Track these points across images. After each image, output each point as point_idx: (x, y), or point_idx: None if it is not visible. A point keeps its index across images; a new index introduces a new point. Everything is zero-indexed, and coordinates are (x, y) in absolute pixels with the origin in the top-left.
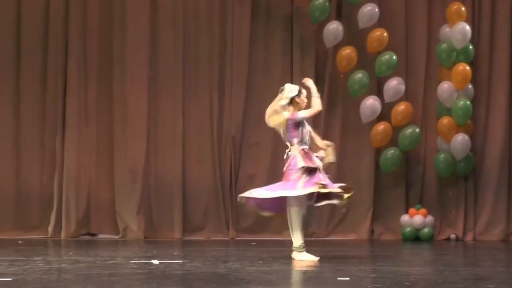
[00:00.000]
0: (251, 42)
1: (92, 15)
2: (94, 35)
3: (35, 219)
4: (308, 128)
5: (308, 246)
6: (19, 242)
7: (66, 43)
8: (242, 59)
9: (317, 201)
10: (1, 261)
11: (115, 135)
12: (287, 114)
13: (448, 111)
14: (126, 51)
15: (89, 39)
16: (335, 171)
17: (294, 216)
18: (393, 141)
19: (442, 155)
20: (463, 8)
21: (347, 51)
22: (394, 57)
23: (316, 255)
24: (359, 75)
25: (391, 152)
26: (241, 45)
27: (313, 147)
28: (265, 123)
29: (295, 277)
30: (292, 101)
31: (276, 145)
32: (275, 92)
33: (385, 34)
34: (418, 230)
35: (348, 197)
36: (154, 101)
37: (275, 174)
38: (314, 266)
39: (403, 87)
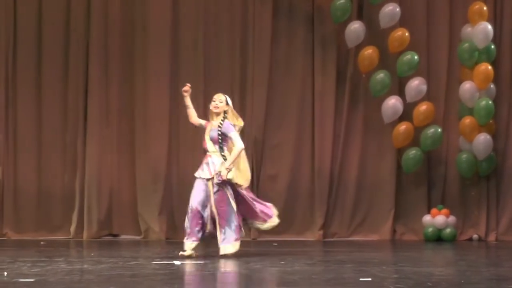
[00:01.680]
0: (272, 41)
1: (113, 15)
2: (116, 35)
3: (57, 220)
4: None
5: (331, 247)
6: (42, 243)
7: (87, 43)
8: (264, 59)
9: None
10: (24, 262)
11: (136, 135)
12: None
13: (470, 111)
14: (147, 50)
15: (111, 39)
16: (357, 172)
17: None
18: (415, 141)
19: (464, 155)
20: (485, 8)
21: (369, 51)
22: (416, 57)
23: (338, 255)
24: (380, 75)
25: (413, 152)
26: (262, 45)
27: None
28: (287, 124)
29: (317, 278)
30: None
31: (298, 146)
32: (297, 92)
33: (406, 34)
34: (440, 230)
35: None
36: (175, 101)
37: (296, 175)
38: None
39: (424, 87)
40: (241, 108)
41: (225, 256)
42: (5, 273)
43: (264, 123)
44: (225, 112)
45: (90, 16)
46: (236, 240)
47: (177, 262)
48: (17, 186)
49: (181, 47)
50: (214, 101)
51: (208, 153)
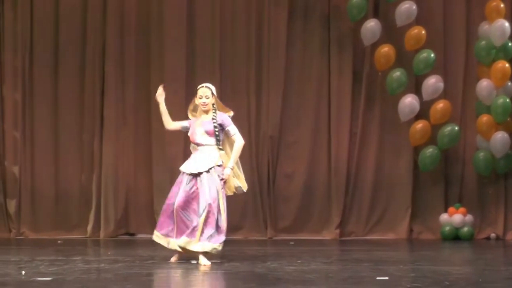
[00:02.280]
0: (288, 41)
1: (129, 14)
2: (132, 35)
3: (74, 219)
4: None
5: (347, 246)
6: (59, 242)
7: (103, 42)
8: (279, 59)
9: None
10: (41, 261)
11: (153, 134)
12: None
13: (487, 109)
14: (163, 50)
15: (127, 39)
16: (374, 171)
17: None
18: (432, 140)
19: (482, 153)
20: (502, 5)
21: (385, 49)
22: (432, 55)
23: (355, 254)
24: (397, 73)
25: (430, 150)
26: (278, 44)
27: None
28: (303, 122)
29: (334, 276)
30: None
31: (314, 145)
32: (313, 91)
33: (423, 32)
34: (457, 229)
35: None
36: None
37: (313, 174)
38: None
39: (441, 85)
40: (257, 107)
41: (207, 254)
42: (23, 272)
43: (280, 122)
44: (212, 104)
45: (106, 15)
46: (221, 242)
47: (193, 261)
48: (34, 185)
49: (197, 46)
50: (200, 98)
51: (200, 147)
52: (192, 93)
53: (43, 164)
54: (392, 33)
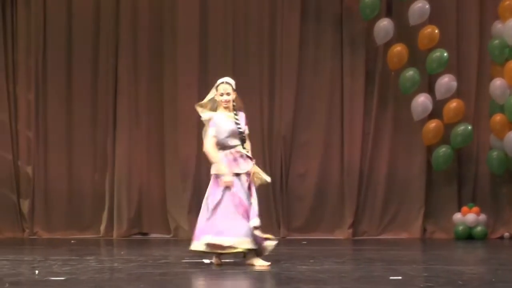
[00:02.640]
0: (301, 42)
1: (142, 14)
2: (144, 35)
3: (88, 219)
4: None
5: (360, 245)
6: (72, 241)
7: (116, 42)
8: (292, 59)
9: None
10: (55, 260)
11: (166, 134)
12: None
13: (501, 108)
14: (176, 50)
15: (140, 39)
16: (387, 170)
17: None
18: (445, 139)
19: (495, 153)
20: None
21: (398, 49)
22: (445, 54)
23: (367, 253)
24: (410, 73)
25: (443, 150)
26: (291, 45)
27: None
28: (315, 122)
29: (347, 276)
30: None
31: (327, 145)
32: (326, 91)
33: (436, 31)
34: (471, 228)
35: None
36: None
37: (326, 173)
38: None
39: (454, 84)
40: (270, 107)
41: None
42: (36, 272)
43: (292, 122)
44: (233, 104)
45: (119, 14)
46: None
47: (206, 261)
48: (48, 185)
49: (209, 47)
50: (222, 95)
51: (233, 149)
52: (205, 92)
53: (56, 164)
54: (405, 32)
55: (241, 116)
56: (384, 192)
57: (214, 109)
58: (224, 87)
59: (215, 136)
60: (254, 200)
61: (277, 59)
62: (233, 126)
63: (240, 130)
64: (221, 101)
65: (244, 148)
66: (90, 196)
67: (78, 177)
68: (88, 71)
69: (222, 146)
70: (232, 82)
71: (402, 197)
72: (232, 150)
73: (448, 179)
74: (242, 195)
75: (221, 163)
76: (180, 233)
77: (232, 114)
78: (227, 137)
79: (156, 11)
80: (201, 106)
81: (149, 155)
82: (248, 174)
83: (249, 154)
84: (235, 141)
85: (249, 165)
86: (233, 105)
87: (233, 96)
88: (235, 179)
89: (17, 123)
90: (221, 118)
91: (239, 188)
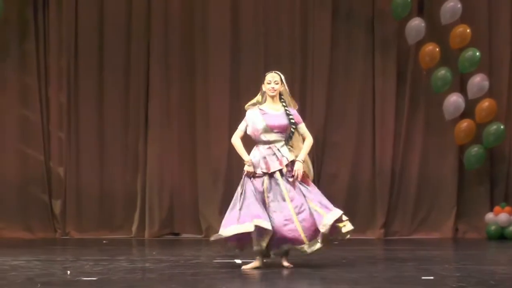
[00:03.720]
0: (332, 43)
1: (173, 15)
2: (176, 36)
3: (119, 219)
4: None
5: (392, 245)
6: (104, 242)
7: (148, 44)
8: (323, 60)
9: None
10: (86, 260)
11: (197, 134)
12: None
13: None
14: (208, 51)
15: (171, 40)
16: (419, 170)
17: None
18: (477, 138)
19: None
20: None
21: (430, 48)
22: (478, 53)
23: (399, 253)
24: (442, 72)
25: (475, 149)
26: (322, 46)
27: None
28: (347, 123)
29: (379, 276)
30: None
31: (359, 145)
32: (357, 92)
33: (468, 30)
34: (503, 228)
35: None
36: (236, 101)
37: (357, 174)
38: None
39: (487, 83)
40: (301, 107)
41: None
42: (68, 272)
43: (324, 122)
44: (280, 94)
45: (150, 16)
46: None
47: (238, 261)
48: (79, 186)
49: (241, 47)
50: (269, 83)
51: (268, 145)
52: (237, 92)
53: (88, 164)
54: (436, 31)
55: (296, 113)
56: (416, 192)
57: (261, 102)
58: (272, 75)
59: (243, 131)
60: (314, 194)
61: (309, 60)
62: (265, 123)
63: (293, 126)
64: (268, 89)
65: (287, 144)
66: (121, 197)
67: (110, 178)
68: (119, 72)
69: (256, 141)
70: (281, 75)
71: (434, 197)
72: (266, 146)
73: (480, 179)
74: (270, 195)
75: (244, 152)
76: (212, 233)
77: (280, 104)
78: (261, 133)
79: (187, 12)
80: (250, 104)
81: (181, 155)
82: (290, 172)
83: (289, 151)
84: (272, 136)
85: (279, 165)
86: (282, 99)
87: (280, 87)
88: (265, 178)
89: (49, 124)
90: (254, 114)
91: (266, 186)
